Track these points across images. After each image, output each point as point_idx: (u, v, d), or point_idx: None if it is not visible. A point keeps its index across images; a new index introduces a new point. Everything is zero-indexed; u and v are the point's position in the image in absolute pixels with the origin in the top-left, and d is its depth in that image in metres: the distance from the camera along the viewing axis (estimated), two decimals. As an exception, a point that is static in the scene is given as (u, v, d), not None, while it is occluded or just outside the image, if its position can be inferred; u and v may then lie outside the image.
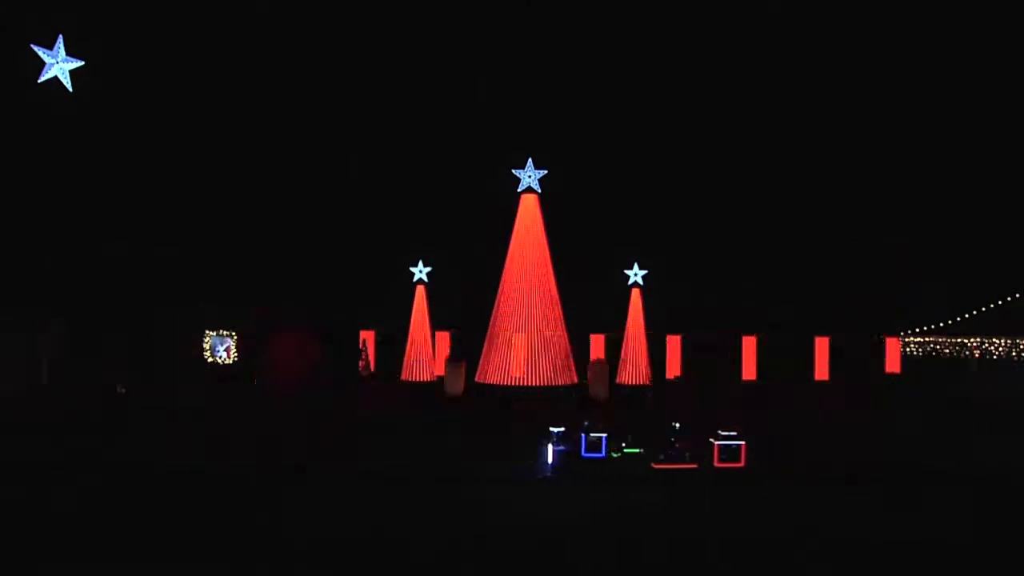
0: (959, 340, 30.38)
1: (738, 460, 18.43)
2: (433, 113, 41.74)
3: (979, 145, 39.49)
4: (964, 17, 37.99)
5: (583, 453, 18.53)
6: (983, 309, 30.96)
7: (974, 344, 29.09)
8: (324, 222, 41.85)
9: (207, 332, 32.18)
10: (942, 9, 37.87)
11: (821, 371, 35.23)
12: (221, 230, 40.38)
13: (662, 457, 18.54)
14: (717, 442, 18.66)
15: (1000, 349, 28.49)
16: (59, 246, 36.34)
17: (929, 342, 31.40)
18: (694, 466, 18.34)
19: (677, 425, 19.34)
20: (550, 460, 18.41)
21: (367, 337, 34.99)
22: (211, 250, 39.73)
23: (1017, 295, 31.07)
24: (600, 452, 18.57)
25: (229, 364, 32.00)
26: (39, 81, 26.53)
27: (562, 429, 19.05)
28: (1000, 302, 30.65)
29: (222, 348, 32.15)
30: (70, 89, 26.83)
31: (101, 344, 31.14)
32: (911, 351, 32.04)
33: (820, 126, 40.82)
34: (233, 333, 32.06)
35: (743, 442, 18.66)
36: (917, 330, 32.34)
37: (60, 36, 26.52)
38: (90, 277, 34.78)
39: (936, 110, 39.34)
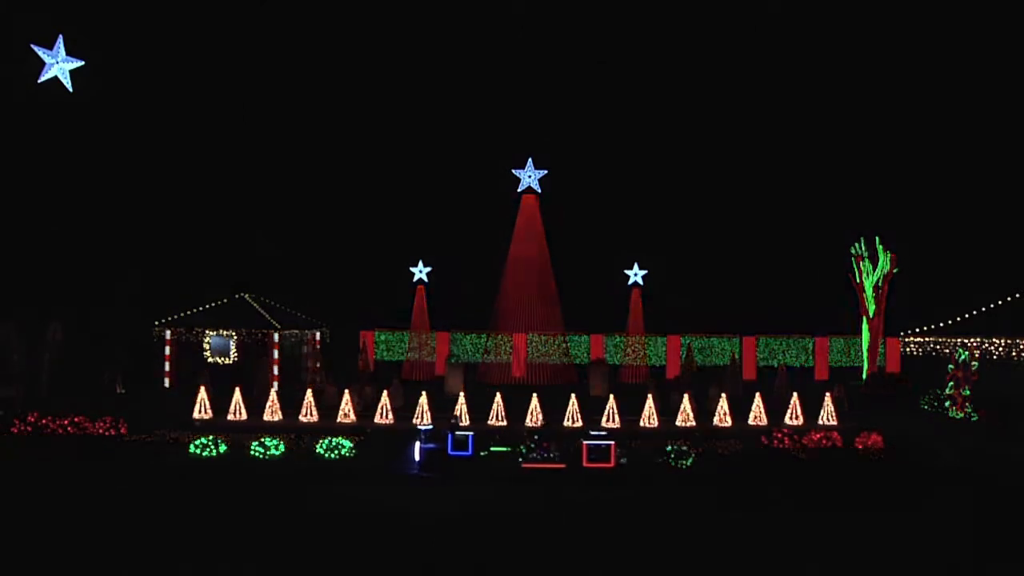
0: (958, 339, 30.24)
1: (607, 460, 18.02)
2: (432, 113, 41.83)
3: (979, 145, 39.60)
4: (964, 19, 38.09)
5: (450, 451, 18.09)
6: (983, 309, 30.87)
7: (974, 344, 28.98)
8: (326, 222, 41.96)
9: (207, 332, 31.73)
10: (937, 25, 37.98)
11: (821, 371, 35.29)
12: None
13: (532, 456, 18.29)
14: (586, 442, 18.30)
15: (1000, 349, 28.40)
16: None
17: (929, 342, 31.33)
18: (562, 466, 17.97)
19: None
20: (417, 458, 18.00)
21: (367, 337, 35.02)
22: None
23: (1017, 295, 30.98)
24: (467, 450, 18.21)
25: (230, 364, 31.60)
26: (39, 81, 26.50)
27: (430, 427, 18.63)
28: (1000, 302, 30.56)
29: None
30: (70, 89, 26.80)
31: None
32: (911, 351, 31.97)
33: (819, 125, 40.94)
34: (233, 333, 31.64)
35: (612, 442, 18.29)
36: (917, 330, 32.31)
37: (60, 36, 26.51)
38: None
39: (937, 110, 39.42)
